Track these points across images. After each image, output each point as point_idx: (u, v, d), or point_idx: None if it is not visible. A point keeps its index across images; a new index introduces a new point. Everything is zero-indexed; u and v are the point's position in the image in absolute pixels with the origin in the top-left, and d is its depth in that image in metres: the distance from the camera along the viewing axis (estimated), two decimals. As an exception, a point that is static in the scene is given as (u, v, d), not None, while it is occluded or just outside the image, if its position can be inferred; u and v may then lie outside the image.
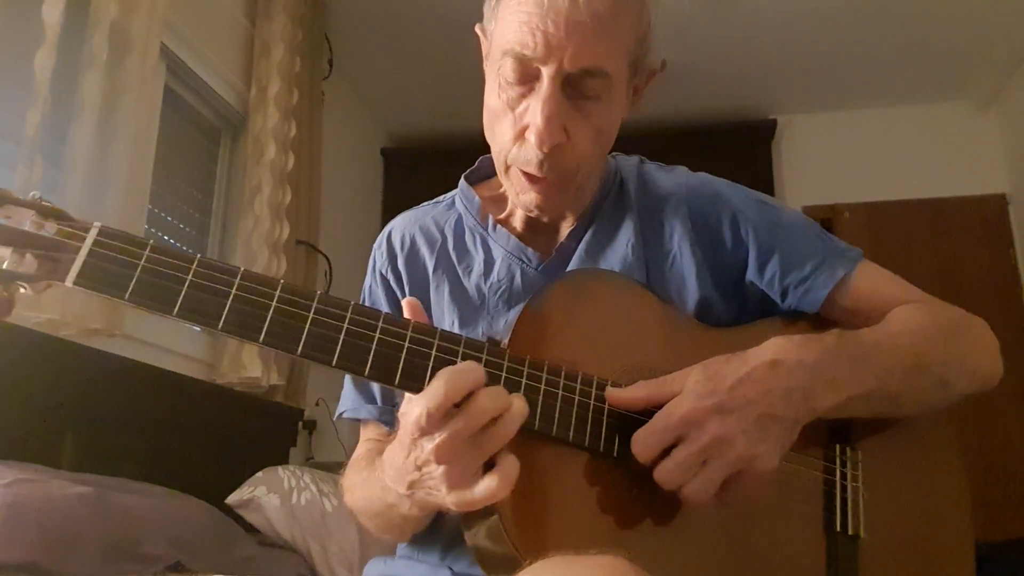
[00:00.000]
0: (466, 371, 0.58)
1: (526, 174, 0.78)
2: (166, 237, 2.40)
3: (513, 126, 0.77)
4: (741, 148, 3.80)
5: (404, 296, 0.90)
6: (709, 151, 3.63)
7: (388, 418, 0.88)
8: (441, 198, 0.97)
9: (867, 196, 3.73)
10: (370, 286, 0.94)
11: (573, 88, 0.74)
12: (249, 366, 2.30)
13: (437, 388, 0.57)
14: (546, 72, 0.73)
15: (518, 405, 0.59)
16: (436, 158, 3.68)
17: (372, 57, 3.44)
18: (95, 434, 1.74)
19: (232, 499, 1.97)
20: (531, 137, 0.75)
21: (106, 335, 1.81)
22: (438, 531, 0.82)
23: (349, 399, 0.91)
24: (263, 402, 2.43)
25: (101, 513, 1.37)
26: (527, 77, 0.75)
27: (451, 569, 0.78)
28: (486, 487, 0.58)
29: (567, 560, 0.56)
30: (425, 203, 0.98)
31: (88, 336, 1.76)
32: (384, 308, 0.91)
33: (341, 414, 0.91)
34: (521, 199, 0.82)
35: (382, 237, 0.96)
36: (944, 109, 3.79)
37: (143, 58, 1.96)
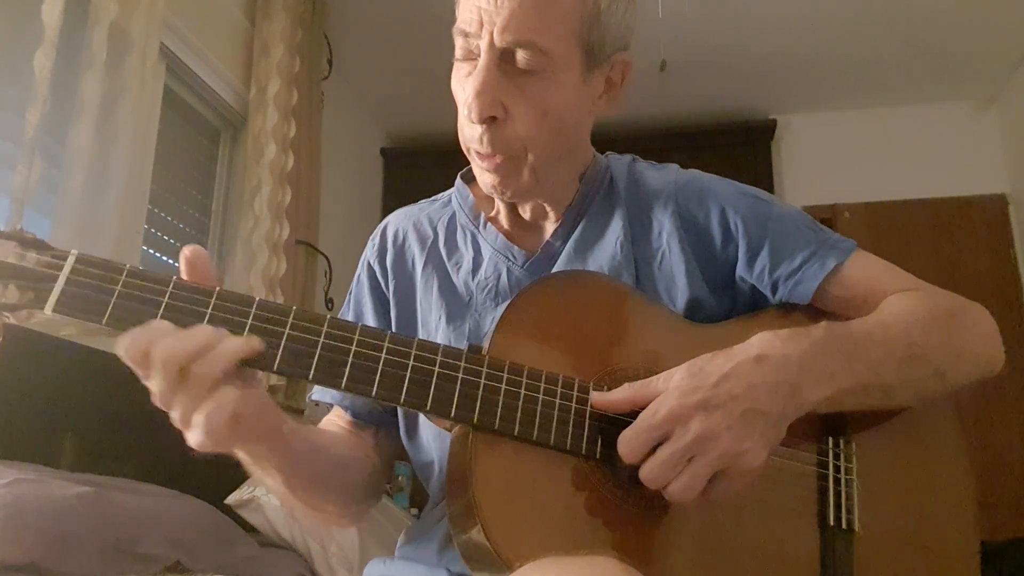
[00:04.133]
0: (145, 329, 0.58)
1: (477, 152, 0.80)
2: (165, 237, 2.40)
3: (464, 104, 0.78)
4: (741, 148, 3.80)
5: (388, 289, 0.91)
6: (709, 151, 3.64)
7: (348, 403, 0.89)
8: (439, 196, 0.98)
9: (867, 196, 3.73)
10: (359, 275, 0.95)
11: (509, 63, 0.75)
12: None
13: (119, 346, 0.58)
14: (481, 46, 0.75)
15: (227, 343, 0.58)
16: (436, 158, 3.66)
17: (372, 57, 3.44)
18: (95, 434, 1.75)
19: (232, 499, 1.97)
20: (466, 111, 0.76)
21: (106, 335, 1.80)
22: (435, 532, 0.82)
23: None
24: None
25: (100, 513, 1.37)
26: (470, 54, 0.77)
27: (448, 570, 0.78)
28: (200, 421, 0.58)
29: (558, 561, 0.56)
30: (423, 200, 0.99)
31: (88, 336, 1.76)
32: (367, 297, 0.93)
33: (310, 397, 0.92)
34: (482, 180, 0.83)
35: (377, 230, 0.97)
36: (944, 109, 3.79)
37: (143, 58, 1.96)
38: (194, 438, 0.60)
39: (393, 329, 0.90)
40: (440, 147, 3.74)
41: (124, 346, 0.58)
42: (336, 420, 0.91)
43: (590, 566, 0.54)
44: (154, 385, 0.58)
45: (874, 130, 3.83)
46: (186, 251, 0.64)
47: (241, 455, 0.71)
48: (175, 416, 0.60)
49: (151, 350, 0.57)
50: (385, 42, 3.34)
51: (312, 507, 0.82)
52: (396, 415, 0.90)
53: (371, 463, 0.88)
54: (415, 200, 1.00)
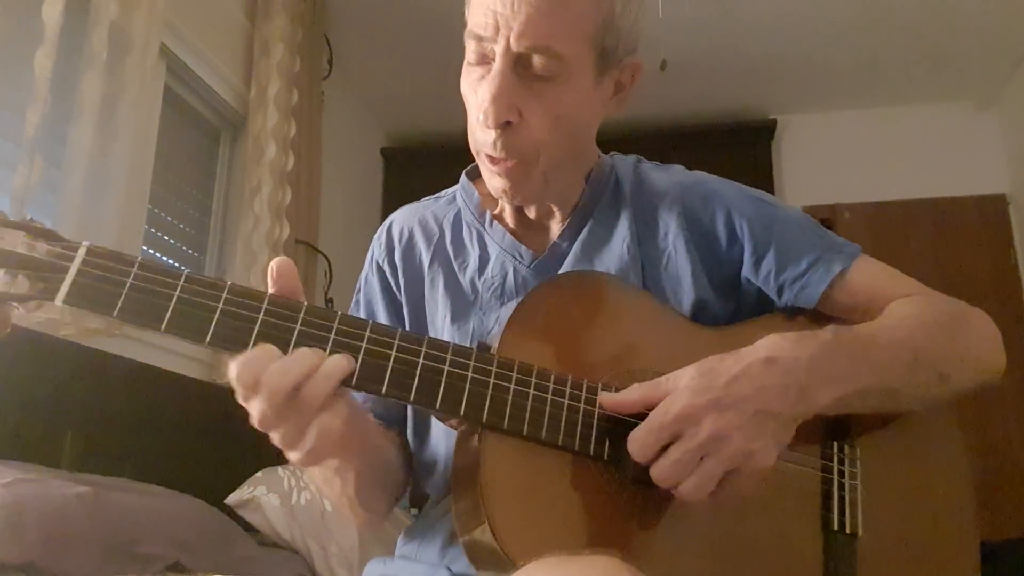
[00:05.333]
0: (255, 355, 0.60)
1: (489, 157, 0.79)
2: (165, 237, 2.40)
3: (476, 109, 0.77)
4: (741, 148, 3.80)
5: (398, 288, 0.91)
6: (709, 151, 3.64)
7: (370, 405, 0.89)
8: (443, 193, 0.98)
9: (867, 196, 3.73)
10: (366, 276, 0.95)
11: (525, 68, 0.75)
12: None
13: (231, 370, 0.60)
14: (496, 50, 0.74)
15: (329, 365, 0.60)
16: (436, 158, 3.68)
17: (372, 57, 3.44)
18: (95, 434, 1.74)
19: (232, 499, 1.97)
20: (480, 115, 0.76)
21: (106, 335, 1.81)
22: (436, 531, 0.82)
23: None
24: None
25: (100, 513, 1.37)
26: (484, 58, 0.77)
27: (449, 569, 0.78)
28: (307, 441, 0.61)
29: (561, 560, 0.56)
30: (427, 197, 0.98)
31: (88, 336, 1.76)
32: (378, 298, 0.93)
33: None
34: (491, 184, 0.82)
35: (382, 228, 0.97)
36: (944, 109, 3.79)
37: (143, 58, 1.96)
38: (299, 455, 0.61)
39: (407, 326, 0.90)
40: (440, 147, 3.76)
41: (236, 373, 0.59)
42: None
43: (594, 566, 0.54)
44: (256, 408, 0.59)
45: (874, 130, 3.83)
46: (273, 264, 0.65)
47: (331, 463, 0.73)
48: (277, 437, 0.61)
49: (261, 376, 0.58)
50: (385, 42, 3.34)
51: (368, 507, 0.83)
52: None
53: (406, 463, 0.90)
54: (415, 200, 1.00)
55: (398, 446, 0.89)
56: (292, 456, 0.62)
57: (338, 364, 0.60)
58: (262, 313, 0.62)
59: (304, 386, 0.59)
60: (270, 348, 0.60)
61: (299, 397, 0.59)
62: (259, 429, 0.61)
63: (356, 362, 0.62)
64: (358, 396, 0.89)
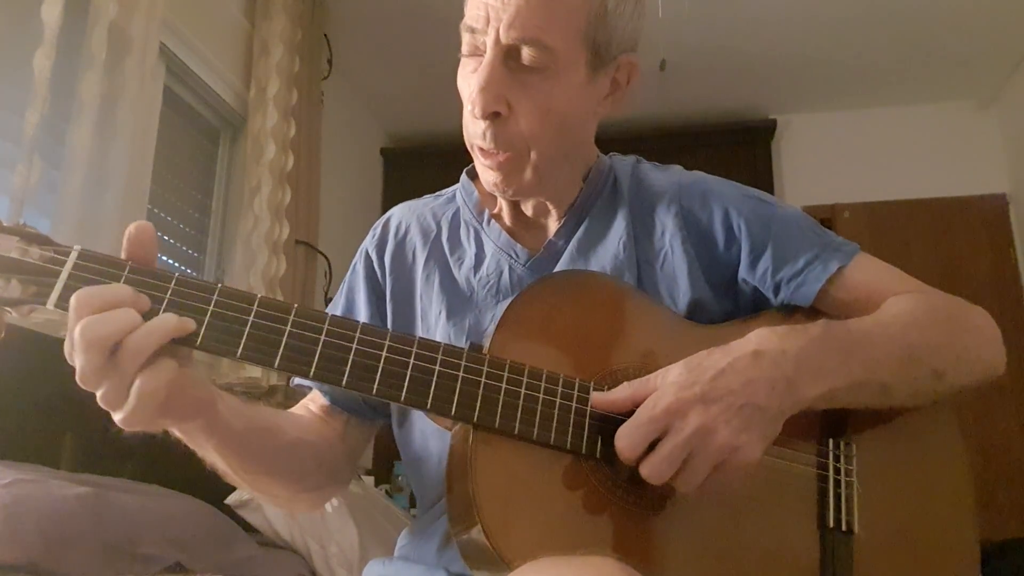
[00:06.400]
0: (93, 292, 0.58)
1: (480, 149, 0.80)
2: (165, 237, 2.40)
3: (468, 100, 0.78)
4: (741, 148, 3.80)
5: (383, 282, 0.91)
6: (709, 151, 3.64)
7: (327, 388, 0.88)
8: (443, 191, 0.99)
9: (867, 196, 3.73)
10: (355, 264, 0.95)
11: (514, 60, 0.76)
12: (249, 367, 2.30)
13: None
14: (487, 42, 0.75)
15: (154, 321, 0.58)
16: (436, 158, 3.68)
17: (372, 57, 3.44)
18: (95, 434, 1.74)
19: (232, 499, 1.97)
20: (469, 106, 0.76)
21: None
22: (434, 532, 0.82)
23: None
24: (263, 402, 2.42)
25: (100, 513, 1.37)
26: (477, 50, 0.78)
27: (447, 570, 0.78)
28: (129, 402, 0.58)
29: (557, 561, 0.56)
30: (428, 195, 0.99)
31: (87, 336, 1.75)
32: (360, 285, 0.93)
33: (290, 382, 0.91)
34: (484, 178, 0.83)
35: (380, 220, 0.97)
36: (944, 109, 3.78)
37: (142, 58, 1.96)
38: (123, 415, 0.59)
39: (390, 322, 0.90)
40: (440, 147, 3.76)
41: (77, 296, 0.57)
42: (309, 404, 0.90)
43: (589, 566, 0.54)
44: (78, 363, 0.57)
45: (874, 130, 3.82)
46: (131, 227, 0.62)
47: (177, 434, 0.70)
48: (101, 395, 0.59)
49: (75, 327, 0.56)
50: (385, 42, 3.34)
51: (259, 489, 0.82)
52: (376, 406, 0.89)
53: (334, 450, 0.87)
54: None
55: (337, 433, 0.88)
56: (116, 417, 0.60)
57: (166, 320, 0.58)
58: (252, 315, 0.62)
59: (124, 341, 0.56)
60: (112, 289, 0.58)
61: (119, 353, 0.56)
62: (81, 387, 0.58)
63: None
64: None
